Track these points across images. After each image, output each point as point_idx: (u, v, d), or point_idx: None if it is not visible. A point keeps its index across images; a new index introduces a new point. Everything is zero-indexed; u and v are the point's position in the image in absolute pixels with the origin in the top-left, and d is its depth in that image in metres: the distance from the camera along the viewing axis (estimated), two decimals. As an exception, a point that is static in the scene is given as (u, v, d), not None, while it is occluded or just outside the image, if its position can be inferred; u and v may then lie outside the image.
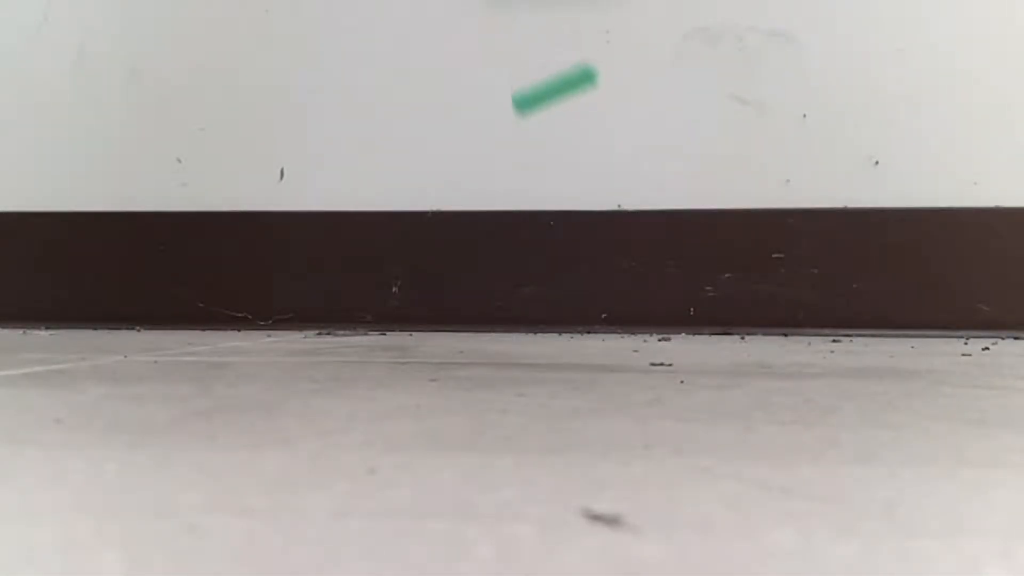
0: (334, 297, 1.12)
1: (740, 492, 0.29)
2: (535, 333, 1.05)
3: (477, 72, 1.12)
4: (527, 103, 0.65)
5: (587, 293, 1.08)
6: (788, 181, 1.07)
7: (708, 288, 1.07)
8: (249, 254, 1.14)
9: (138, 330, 1.09)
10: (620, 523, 0.25)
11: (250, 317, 1.13)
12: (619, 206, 1.08)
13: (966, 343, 0.92)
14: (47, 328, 1.10)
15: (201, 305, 1.14)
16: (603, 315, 1.08)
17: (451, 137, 1.12)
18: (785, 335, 1.03)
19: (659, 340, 0.96)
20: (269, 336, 1.01)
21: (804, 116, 1.07)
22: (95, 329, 1.10)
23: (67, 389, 0.54)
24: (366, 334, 1.05)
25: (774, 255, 1.06)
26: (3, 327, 1.11)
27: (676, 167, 1.08)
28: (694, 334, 1.04)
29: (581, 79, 0.63)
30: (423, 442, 0.38)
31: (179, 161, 1.16)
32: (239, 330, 1.10)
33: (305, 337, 0.99)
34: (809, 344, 0.91)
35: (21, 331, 1.07)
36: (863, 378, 0.60)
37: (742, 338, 1.00)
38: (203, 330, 1.09)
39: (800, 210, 1.06)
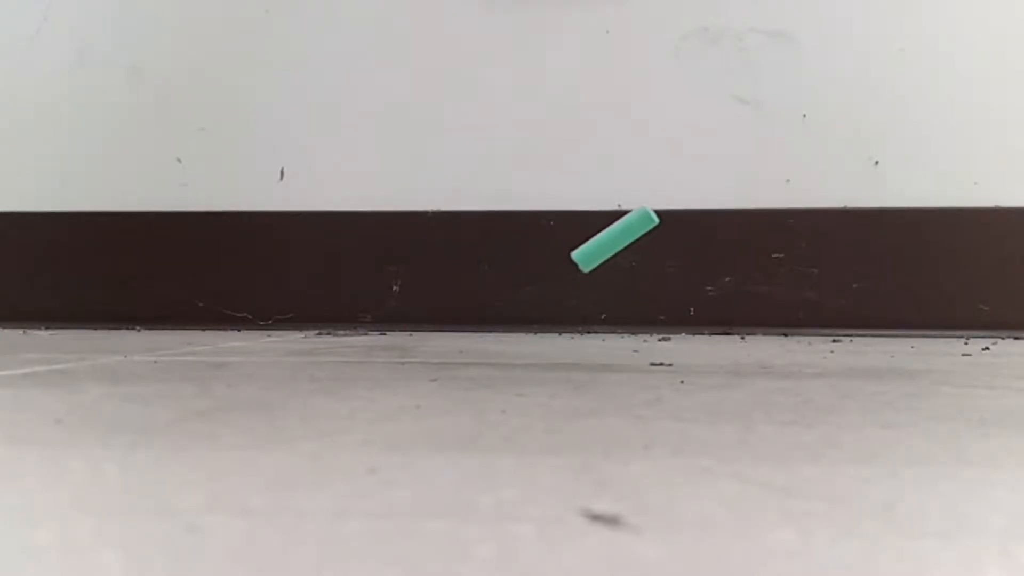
0: (334, 297, 1.12)
1: (740, 492, 0.29)
2: (535, 333, 1.05)
3: (477, 72, 1.12)
4: (589, 259, 0.64)
5: (587, 293, 1.08)
6: (788, 181, 1.07)
7: (708, 288, 1.07)
8: (249, 254, 1.14)
9: (138, 330, 1.09)
10: (620, 523, 0.25)
11: (250, 317, 1.13)
12: (619, 206, 1.08)
13: (966, 343, 0.92)
14: (47, 328, 1.10)
15: (201, 305, 1.14)
16: (603, 315, 1.08)
17: (451, 137, 1.12)
18: (785, 335, 1.03)
19: (659, 340, 0.96)
20: (269, 336, 1.01)
21: (804, 116, 1.07)
22: (95, 329, 1.10)
23: (67, 389, 0.54)
24: (366, 334, 1.05)
25: (774, 255, 1.06)
26: (3, 327, 1.11)
27: (676, 167, 1.08)
28: (694, 334, 1.04)
29: (642, 222, 0.63)
30: (423, 442, 0.38)
31: (179, 161, 1.16)
32: (239, 330, 1.10)
33: (305, 337, 0.99)
34: (809, 344, 0.91)
35: (21, 331, 1.07)
36: (863, 378, 0.60)
37: (742, 338, 1.00)
38: (203, 330, 1.09)
39: (800, 210, 1.06)
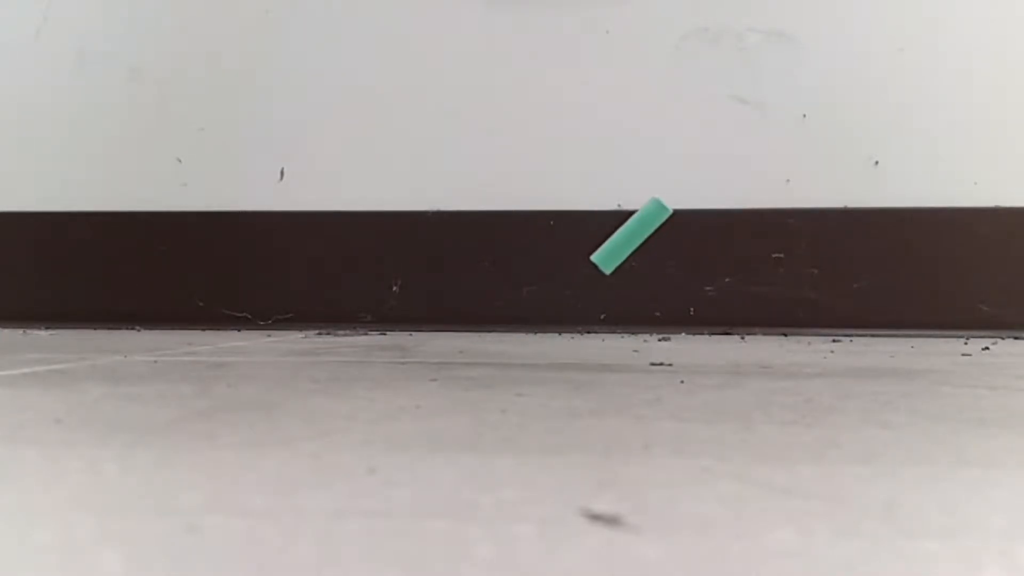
0: (334, 297, 1.12)
1: (740, 492, 0.29)
2: (535, 333, 1.05)
3: (477, 72, 1.12)
4: (608, 259, 0.63)
5: (587, 293, 1.08)
6: (788, 181, 1.07)
7: (708, 288, 1.07)
8: (249, 254, 1.14)
9: (138, 330, 1.09)
10: (620, 523, 0.25)
11: (250, 317, 1.13)
12: (619, 206, 1.08)
13: (966, 343, 0.92)
14: (47, 328, 1.10)
15: (201, 305, 1.14)
16: (603, 315, 1.08)
17: (451, 137, 1.12)
18: (785, 335, 1.03)
19: (659, 340, 0.96)
20: (269, 336, 1.01)
21: (804, 116, 1.07)
22: (95, 329, 1.10)
23: (67, 389, 0.54)
24: (366, 334, 1.05)
25: (774, 255, 1.06)
26: (3, 327, 1.11)
27: (676, 167, 1.08)
28: (694, 334, 1.04)
29: (656, 215, 0.62)
30: (423, 442, 0.38)
31: (179, 161, 1.16)
32: (239, 330, 1.10)
33: (305, 337, 0.99)
34: (809, 344, 0.91)
35: (21, 331, 1.07)
36: (863, 378, 0.60)
37: (742, 338, 1.00)
38: (203, 330, 1.09)
39: (800, 210, 1.06)
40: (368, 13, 1.13)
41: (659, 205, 0.63)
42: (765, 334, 1.03)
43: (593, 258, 0.64)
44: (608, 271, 0.64)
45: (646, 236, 0.63)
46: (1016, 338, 0.99)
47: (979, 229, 1.04)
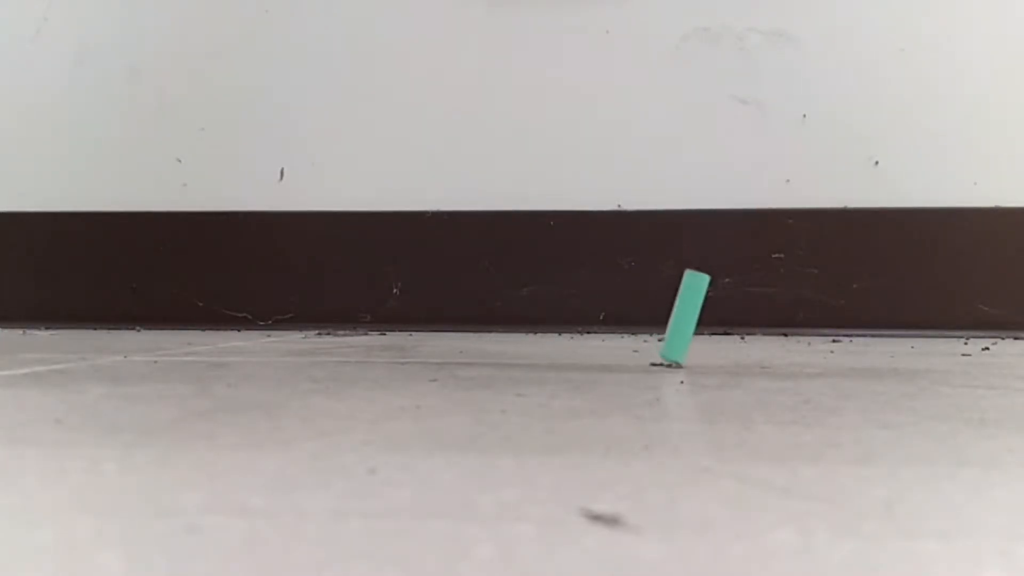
0: (334, 297, 1.12)
1: (740, 492, 0.29)
2: (535, 333, 1.05)
3: (477, 72, 1.12)
4: (676, 350, 0.64)
5: (587, 293, 1.08)
6: (788, 181, 1.07)
7: (708, 288, 1.06)
8: (249, 254, 1.14)
9: (138, 330, 1.09)
10: (620, 523, 0.25)
11: (250, 317, 1.13)
12: (619, 206, 1.08)
13: (966, 343, 0.92)
14: (47, 328, 1.10)
15: (201, 305, 1.14)
16: (603, 315, 1.08)
17: (451, 137, 1.12)
18: (785, 335, 1.03)
19: (659, 340, 0.95)
20: (269, 336, 1.01)
21: (804, 116, 1.07)
22: (95, 329, 1.10)
23: (67, 389, 0.54)
24: (366, 334, 1.05)
25: (774, 255, 1.06)
26: (3, 327, 1.11)
27: (676, 167, 1.08)
28: (694, 334, 1.03)
29: (695, 287, 0.63)
30: (423, 442, 0.38)
31: (179, 161, 1.16)
32: (239, 330, 1.10)
33: (305, 337, 0.99)
34: (809, 344, 0.91)
35: (21, 331, 1.07)
36: (863, 378, 0.60)
37: (742, 338, 1.00)
38: (203, 330, 1.09)
39: (800, 210, 1.06)
40: (368, 13, 1.13)
41: (694, 277, 0.65)
42: (765, 334, 1.03)
43: (662, 355, 0.66)
44: (683, 360, 0.66)
45: (698, 310, 0.65)
46: (1016, 338, 0.99)
47: (979, 229, 1.04)
